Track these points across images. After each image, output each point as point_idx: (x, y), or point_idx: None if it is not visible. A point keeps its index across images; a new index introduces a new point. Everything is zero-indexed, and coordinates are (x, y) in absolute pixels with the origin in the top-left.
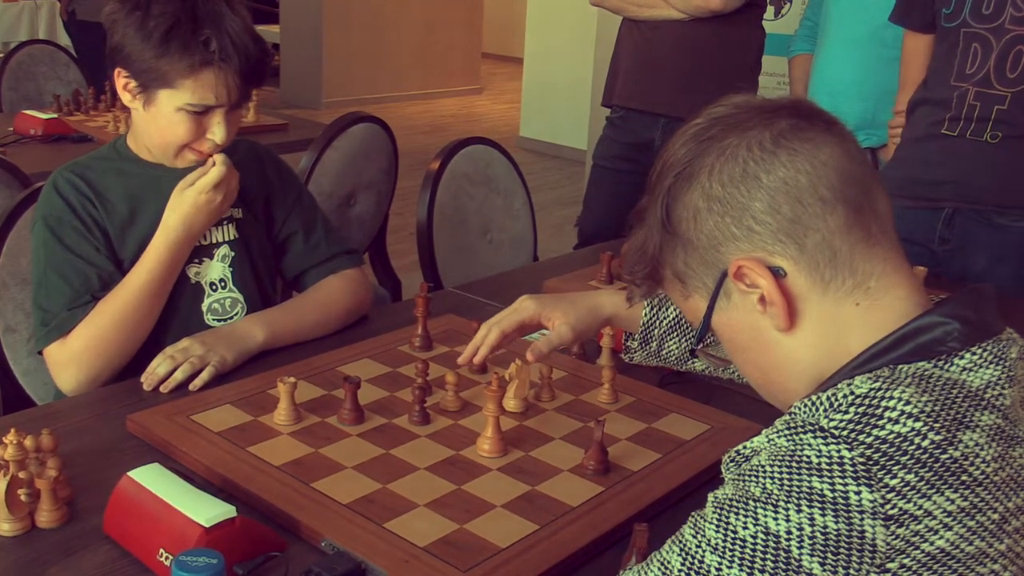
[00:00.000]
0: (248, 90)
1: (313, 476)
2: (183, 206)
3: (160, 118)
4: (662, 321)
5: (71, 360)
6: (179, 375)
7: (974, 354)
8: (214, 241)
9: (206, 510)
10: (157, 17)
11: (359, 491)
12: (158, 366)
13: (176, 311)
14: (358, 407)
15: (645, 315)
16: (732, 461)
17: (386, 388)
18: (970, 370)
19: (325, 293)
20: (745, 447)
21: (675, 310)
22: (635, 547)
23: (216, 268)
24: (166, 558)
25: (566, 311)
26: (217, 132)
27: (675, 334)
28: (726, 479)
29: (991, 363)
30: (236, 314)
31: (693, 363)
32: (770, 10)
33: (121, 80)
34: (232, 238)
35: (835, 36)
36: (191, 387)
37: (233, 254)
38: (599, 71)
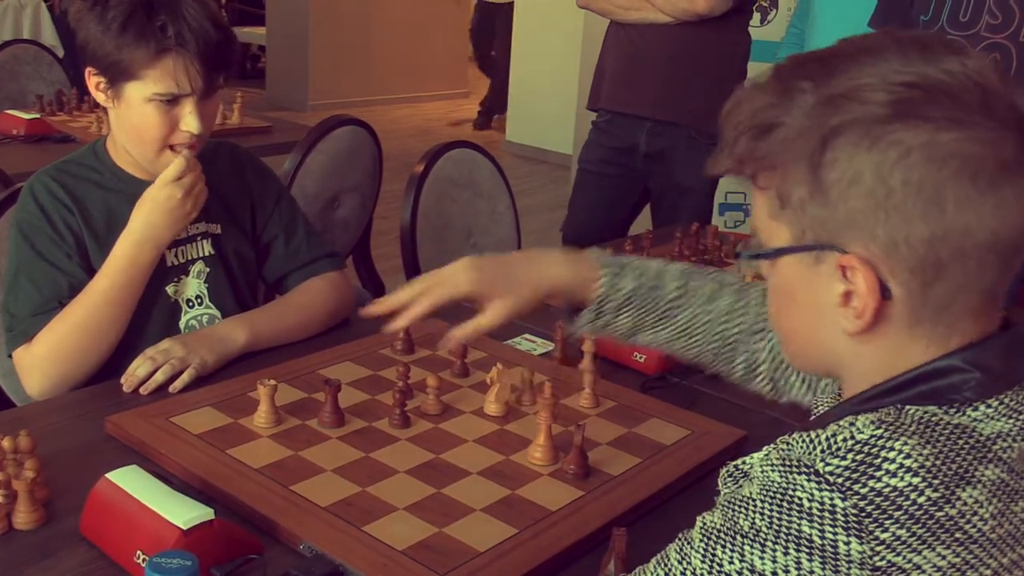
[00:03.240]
0: (215, 77)
1: (292, 479)
2: (144, 204)
3: (132, 113)
4: (619, 292)
5: (34, 366)
6: (159, 376)
7: (989, 406)
8: (190, 258)
9: (183, 512)
10: (115, 8)
11: (338, 494)
12: (138, 367)
13: (154, 328)
14: (338, 410)
15: (602, 286)
16: (730, 476)
17: (367, 391)
18: (981, 421)
19: (307, 295)
20: (744, 462)
21: (632, 282)
22: (614, 551)
23: (192, 285)
24: (143, 560)
25: (504, 293)
26: (190, 122)
27: (631, 307)
28: (719, 499)
29: (1006, 416)
30: None
31: (636, 338)
32: (756, 16)
33: (92, 80)
34: (207, 254)
35: (821, 43)
36: (171, 389)
37: (208, 270)
38: (585, 76)
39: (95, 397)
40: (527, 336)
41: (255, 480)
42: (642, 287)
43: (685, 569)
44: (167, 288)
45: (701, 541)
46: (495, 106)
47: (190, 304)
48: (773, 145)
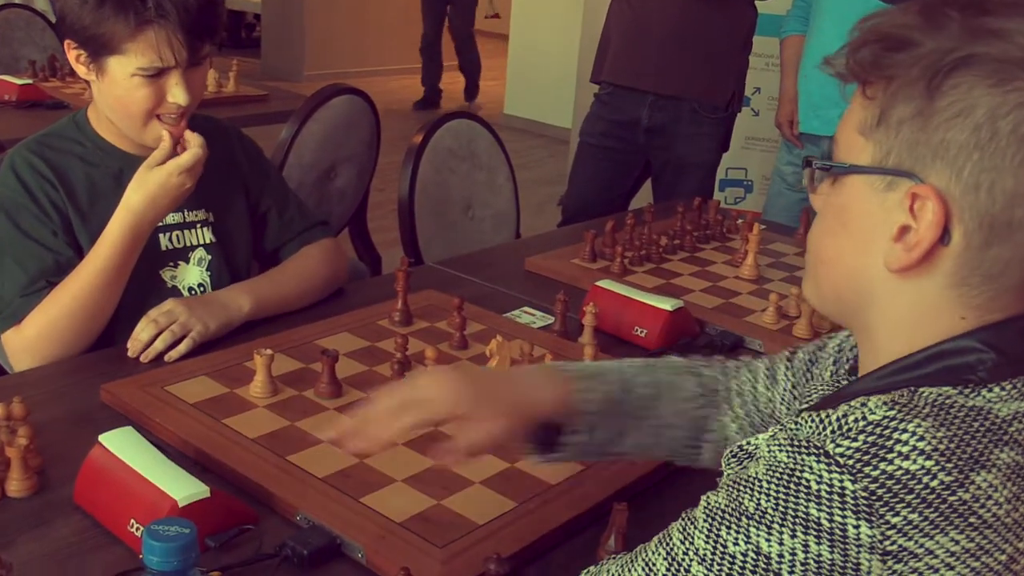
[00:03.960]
0: (199, 46)
1: (289, 449)
2: (149, 186)
3: (116, 87)
4: (593, 399)
5: (24, 348)
6: (159, 345)
7: (1003, 389)
8: (188, 244)
9: (181, 487)
10: None
11: (335, 465)
12: (141, 331)
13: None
14: (336, 381)
15: (582, 394)
16: (734, 456)
17: (364, 362)
18: (997, 402)
19: (304, 262)
20: (749, 443)
21: (604, 386)
22: (614, 526)
23: (194, 273)
24: (137, 529)
25: (488, 417)
26: (177, 94)
27: (610, 413)
28: (723, 480)
29: (1020, 399)
30: None
31: (620, 445)
32: None
33: (72, 52)
34: (208, 241)
35: (828, 18)
36: (167, 358)
37: (210, 258)
38: (586, 48)
39: (89, 364)
40: (527, 309)
41: (251, 450)
42: (615, 390)
43: (688, 550)
44: (163, 273)
45: (705, 522)
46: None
47: (192, 292)
48: (901, 59)
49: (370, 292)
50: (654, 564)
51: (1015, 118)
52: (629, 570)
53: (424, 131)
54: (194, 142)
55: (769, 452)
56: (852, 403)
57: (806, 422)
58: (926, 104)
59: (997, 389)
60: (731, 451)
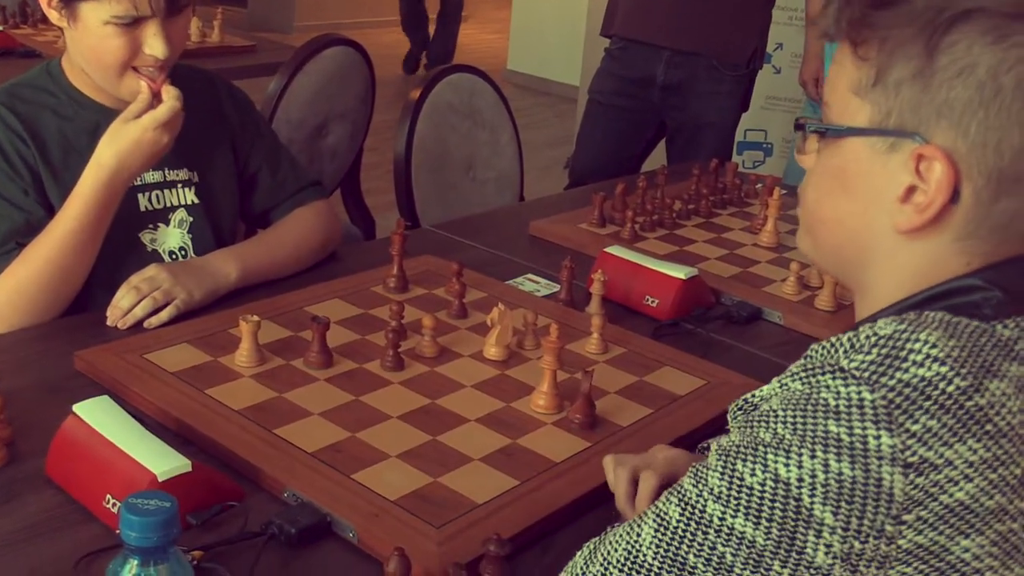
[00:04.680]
0: None
1: (276, 422)
2: (122, 141)
3: (89, 35)
4: None
5: None
6: (139, 311)
7: (1006, 327)
8: (169, 205)
9: (160, 460)
10: None
11: (326, 439)
12: (122, 298)
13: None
14: (326, 350)
15: None
16: (740, 410)
17: (357, 331)
18: (1002, 332)
19: (297, 225)
20: (754, 395)
21: None
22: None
23: (174, 235)
24: (113, 505)
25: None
26: (155, 46)
27: None
28: (732, 429)
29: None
30: None
31: None
32: None
33: None
34: (191, 202)
35: None
36: (147, 324)
37: (192, 219)
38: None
39: (63, 330)
40: (530, 276)
41: (236, 422)
42: None
43: (702, 491)
44: (142, 236)
45: (719, 460)
46: (432, 48)
47: (172, 256)
48: (895, 17)
49: (363, 257)
50: (666, 514)
51: (1017, 73)
52: (639, 527)
53: (422, 85)
54: (170, 94)
55: (782, 387)
56: (859, 328)
57: (816, 352)
58: (925, 64)
59: (1000, 327)
60: (736, 404)
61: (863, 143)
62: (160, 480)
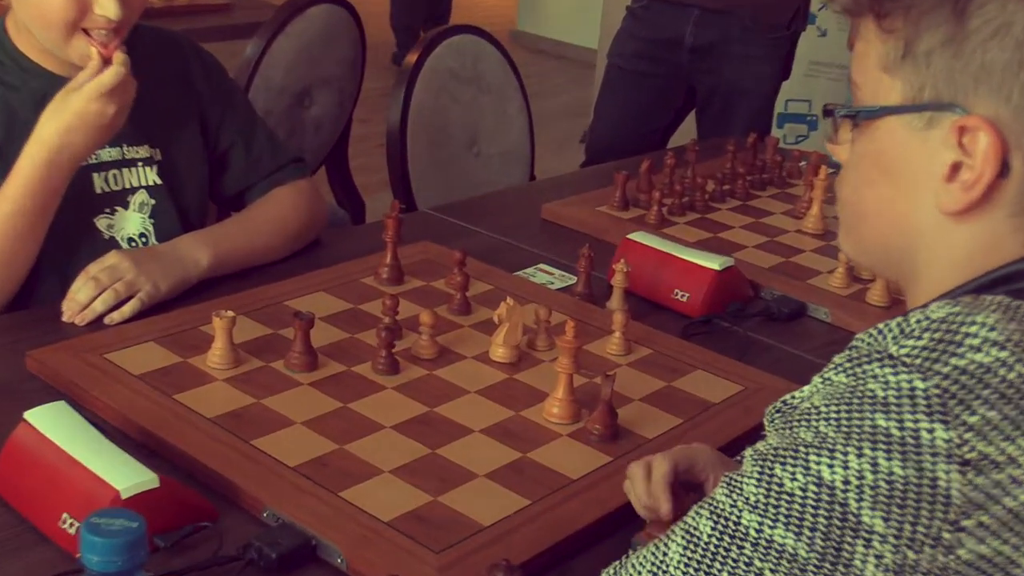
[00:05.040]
0: None
1: (254, 432)
2: (64, 115)
3: None
4: None
5: None
6: (98, 305)
7: None
8: (128, 186)
9: (124, 475)
10: None
11: (310, 452)
12: (79, 291)
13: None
14: (311, 350)
15: None
16: (778, 412)
17: (345, 328)
18: None
19: (276, 207)
20: (794, 396)
21: None
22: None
23: (134, 220)
24: (70, 525)
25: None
26: (106, 5)
27: None
28: (769, 432)
29: None
30: None
31: None
32: None
33: None
34: (152, 183)
35: None
36: (108, 320)
37: (154, 202)
38: None
39: (13, 327)
40: (543, 266)
41: (208, 432)
42: None
43: (736, 500)
44: (97, 222)
45: (754, 466)
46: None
47: (132, 244)
48: None
49: (352, 244)
50: (696, 529)
51: None
52: (665, 545)
53: (420, 48)
54: (116, 59)
55: (824, 382)
56: (910, 313)
57: (863, 341)
58: (956, 28)
59: None
60: (774, 407)
61: (899, 123)
62: (123, 497)
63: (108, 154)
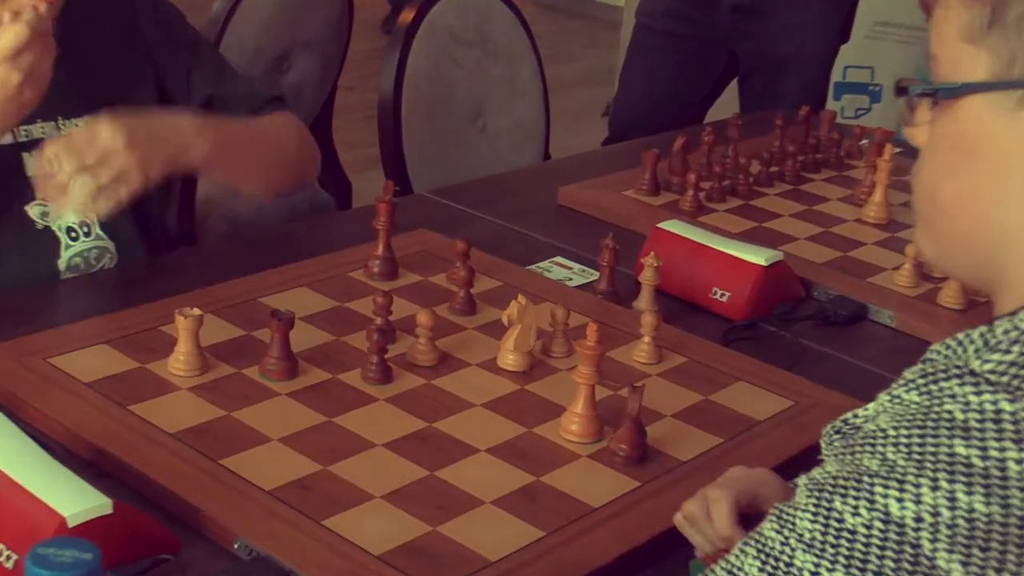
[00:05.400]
0: None
1: (224, 450)
2: None
3: None
4: None
5: None
6: (78, 193)
7: None
8: None
9: (71, 499)
10: None
11: (289, 473)
12: (58, 162)
13: (19, 268)
14: (290, 355)
15: None
16: (838, 433)
17: (330, 330)
18: None
19: (272, 121)
20: (856, 415)
21: None
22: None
23: None
24: (7, 558)
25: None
26: None
27: None
28: (826, 458)
29: None
30: (104, 265)
31: None
32: None
33: None
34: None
35: None
36: (52, 217)
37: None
38: None
39: None
40: (559, 260)
41: (170, 449)
42: None
43: (788, 537)
44: (30, 210)
45: (810, 498)
46: None
47: (72, 235)
48: None
49: (338, 232)
50: (741, 569)
51: None
52: None
53: (417, 5)
54: (24, 17)
55: (893, 400)
56: (996, 322)
57: (938, 352)
58: None
59: None
60: (832, 426)
61: (983, 102)
62: (71, 525)
63: (40, 130)
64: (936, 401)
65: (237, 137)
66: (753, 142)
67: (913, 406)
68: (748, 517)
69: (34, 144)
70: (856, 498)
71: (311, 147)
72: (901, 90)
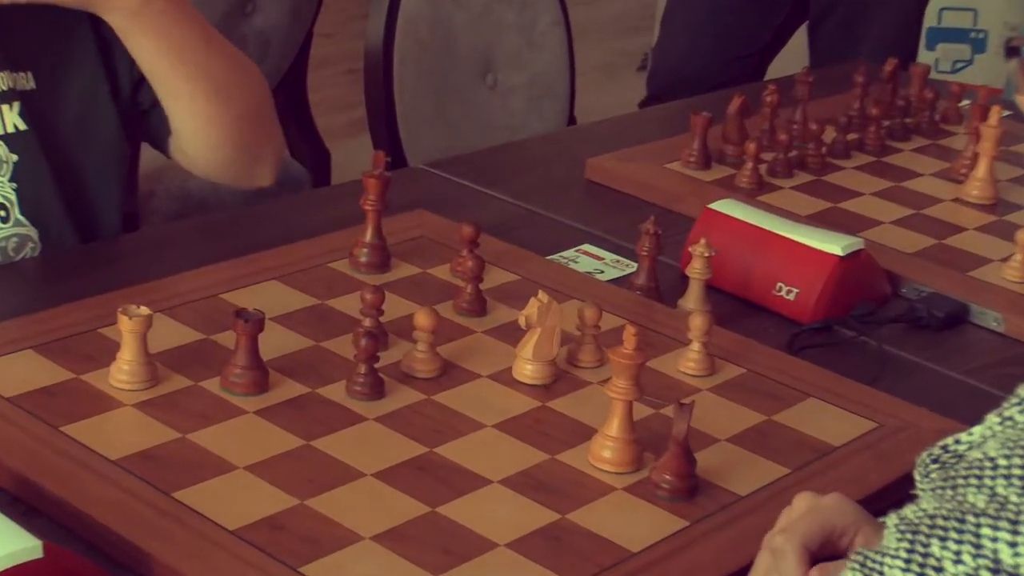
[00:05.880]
0: None
1: (178, 481)
2: None
3: None
4: None
5: None
6: None
7: None
8: None
9: None
10: None
11: (258, 510)
12: None
13: None
14: (259, 364)
15: None
16: (936, 463)
17: (308, 333)
18: None
19: (238, 55)
20: (959, 441)
21: None
22: None
23: None
24: None
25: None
26: None
27: None
28: (922, 492)
29: None
30: (25, 256)
31: None
32: None
33: None
34: (14, 129)
35: None
36: None
37: (16, 159)
38: None
39: None
40: (587, 248)
41: (113, 480)
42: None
43: None
44: None
45: (901, 541)
46: None
47: None
48: None
49: (316, 213)
50: None
51: None
52: None
53: None
54: None
55: (1004, 423)
56: None
57: None
58: None
59: None
60: (929, 454)
61: None
62: None
63: None
64: None
65: (184, 15)
66: (827, 103)
67: None
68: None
69: None
70: (959, 542)
71: (272, 124)
72: (1012, 50)
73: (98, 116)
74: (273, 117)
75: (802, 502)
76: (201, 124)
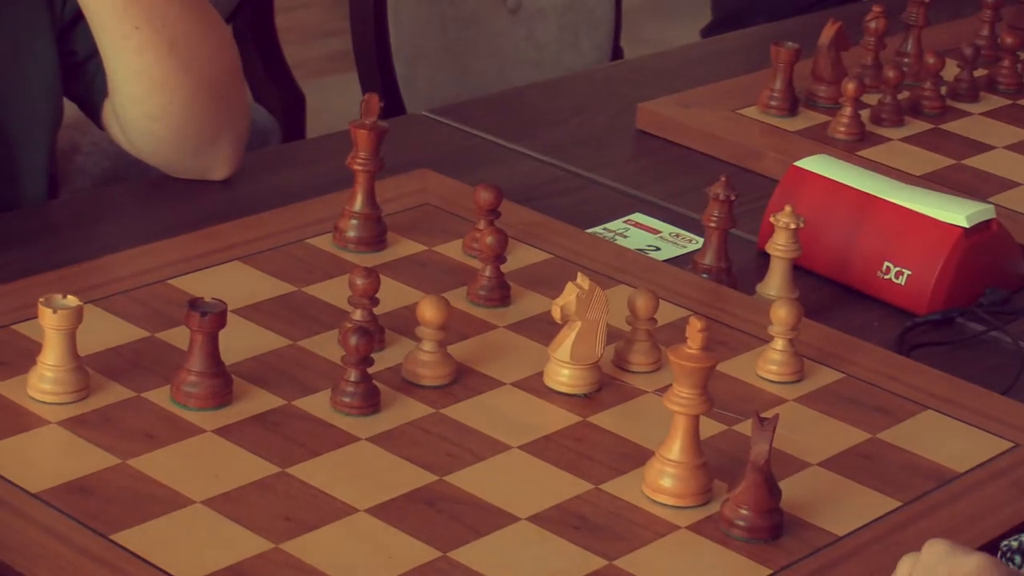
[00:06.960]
0: None
1: (119, 520)
2: None
3: None
4: None
5: None
6: None
7: None
8: None
9: None
10: None
11: (221, 556)
12: None
13: None
14: (220, 369)
15: None
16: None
17: (282, 329)
18: None
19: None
20: None
21: None
22: None
23: None
24: None
25: None
26: None
27: None
28: None
29: None
30: None
31: None
32: None
33: None
34: None
35: None
36: None
37: None
38: None
39: None
40: (639, 219)
41: (34, 520)
42: None
43: None
44: None
45: None
46: None
47: None
48: None
49: (288, 173)
50: None
51: None
52: None
53: None
54: None
55: None
56: None
57: None
58: None
59: None
60: (1008, 544)
61: None
62: None
63: None
64: None
65: None
66: (946, 29)
67: None
68: None
69: None
70: None
71: (238, 102)
72: None
73: (32, 54)
74: (240, 93)
75: (933, 553)
76: (148, 86)
